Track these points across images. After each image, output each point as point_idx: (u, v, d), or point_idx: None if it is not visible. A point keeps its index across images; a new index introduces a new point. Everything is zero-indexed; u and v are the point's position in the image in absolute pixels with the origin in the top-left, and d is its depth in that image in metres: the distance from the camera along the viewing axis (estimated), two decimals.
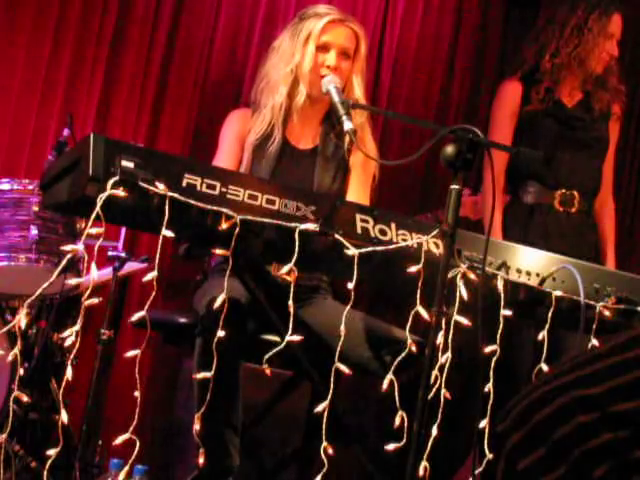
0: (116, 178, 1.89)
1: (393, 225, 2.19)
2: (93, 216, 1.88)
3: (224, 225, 2.00)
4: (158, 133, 3.98)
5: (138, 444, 1.99)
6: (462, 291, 2.12)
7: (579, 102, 3.29)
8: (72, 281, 2.21)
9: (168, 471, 3.40)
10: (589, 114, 3.28)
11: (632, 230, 4.48)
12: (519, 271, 2.30)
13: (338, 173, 2.81)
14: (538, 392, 1.07)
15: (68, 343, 1.94)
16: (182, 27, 4.02)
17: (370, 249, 2.11)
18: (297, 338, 2.12)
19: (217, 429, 2.39)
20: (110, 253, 3.18)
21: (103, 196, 1.88)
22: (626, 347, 1.05)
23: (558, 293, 2.29)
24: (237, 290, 2.35)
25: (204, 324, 2.38)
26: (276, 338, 2.38)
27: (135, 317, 2.00)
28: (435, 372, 2.03)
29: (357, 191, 2.81)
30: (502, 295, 2.20)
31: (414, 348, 2.14)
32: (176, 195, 1.95)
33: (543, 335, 2.28)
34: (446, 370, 2.10)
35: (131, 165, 1.92)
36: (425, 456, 2.06)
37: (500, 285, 2.22)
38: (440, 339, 2.01)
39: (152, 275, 1.94)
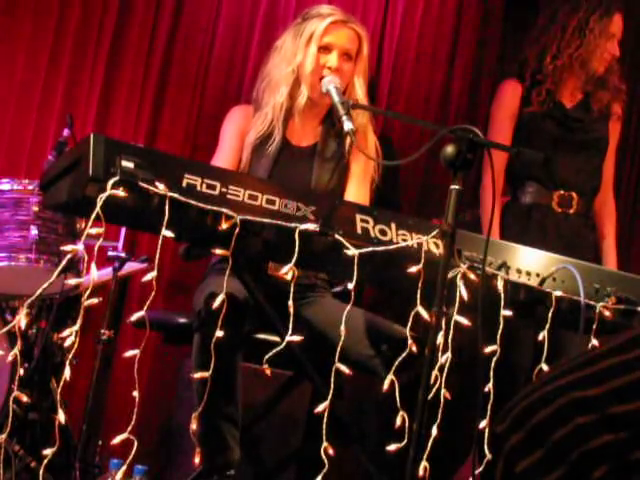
0: (116, 178, 1.89)
1: (393, 225, 2.19)
2: (93, 216, 1.88)
3: (224, 225, 2.00)
4: (158, 133, 3.99)
5: (136, 444, 1.99)
6: (462, 291, 2.12)
7: (578, 103, 3.29)
8: (72, 281, 2.21)
9: (168, 471, 3.40)
10: (588, 115, 3.28)
11: (632, 230, 4.48)
12: (519, 271, 2.30)
13: (336, 172, 2.80)
14: (537, 393, 1.07)
15: (68, 343, 1.94)
16: (182, 27, 4.02)
17: (370, 249, 2.11)
18: (297, 338, 2.12)
19: (216, 423, 2.40)
20: (110, 253, 3.18)
21: (103, 196, 1.88)
22: (626, 348, 1.05)
23: (558, 293, 2.29)
24: (235, 287, 2.35)
25: (202, 319, 2.38)
26: (276, 338, 2.38)
27: (135, 317, 2.00)
28: (435, 372, 2.03)
29: (356, 191, 2.81)
30: (502, 295, 2.20)
31: (414, 348, 2.14)
32: (176, 195, 1.95)
33: (543, 335, 2.28)
34: (446, 370, 2.10)
35: (131, 165, 1.92)
36: (425, 456, 2.06)
37: (500, 285, 2.22)
38: (440, 339, 2.01)
39: (152, 275, 1.95)
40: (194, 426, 2.16)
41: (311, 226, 2.07)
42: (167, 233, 1.95)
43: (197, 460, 2.24)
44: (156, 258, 1.94)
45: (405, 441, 2.06)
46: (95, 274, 1.97)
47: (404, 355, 2.13)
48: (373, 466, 2.51)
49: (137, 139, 3.80)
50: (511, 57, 4.65)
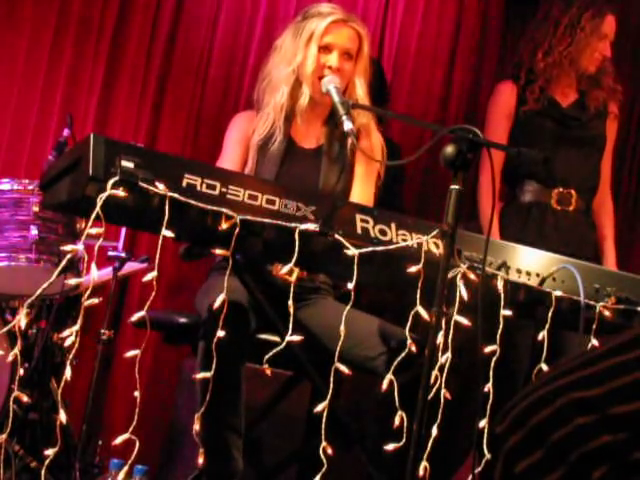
0: (116, 178, 1.89)
1: (393, 225, 2.19)
2: (93, 216, 1.88)
3: (224, 225, 2.00)
4: (158, 133, 3.99)
5: (138, 444, 2.00)
6: (462, 291, 2.12)
7: (574, 102, 3.30)
8: (72, 281, 2.21)
9: (168, 471, 3.40)
10: (585, 113, 3.29)
11: (632, 230, 4.48)
12: (519, 271, 2.30)
13: (343, 172, 2.80)
14: (537, 393, 1.07)
15: (68, 343, 1.94)
16: (182, 27, 4.02)
17: (370, 249, 2.11)
18: (297, 338, 2.12)
19: (220, 432, 2.39)
20: (110, 253, 3.19)
21: (103, 196, 1.88)
22: (626, 348, 1.05)
23: (558, 293, 2.29)
24: (239, 292, 2.35)
25: (207, 328, 2.38)
26: (276, 338, 2.38)
27: (135, 317, 2.00)
28: (435, 372, 2.03)
29: (361, 191, 2.80)
30: (502, 295, 2.20)
31: (414, 348, 2.14)
32: (176, 195, 1.95)
33: (543, 335, 2.28)
34: (446, 370, 2.10)
35: (131, 165, 1.92)
36: (425, 456, 2.06)
37: (500, 285, 2.22)
38: (440, 339, 2.01)
39: (152, 275, 1.95)
40: (197, 427, 2.16)
41: (311, 226, 2.07)
42: (167, 233, 1.95)
43: (200, 460, 2.23)
44: (156, 258, 1.94)
45: (405, 441, 2.06)
46: (95, 274, 1.97)
47: (403, 355, 2.13)
48: (373, 466, 2.51)
49: (137, 139, 3.80)
50: (511, 57, 4.66)
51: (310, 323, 2.63)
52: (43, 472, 2.06)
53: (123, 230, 3.34)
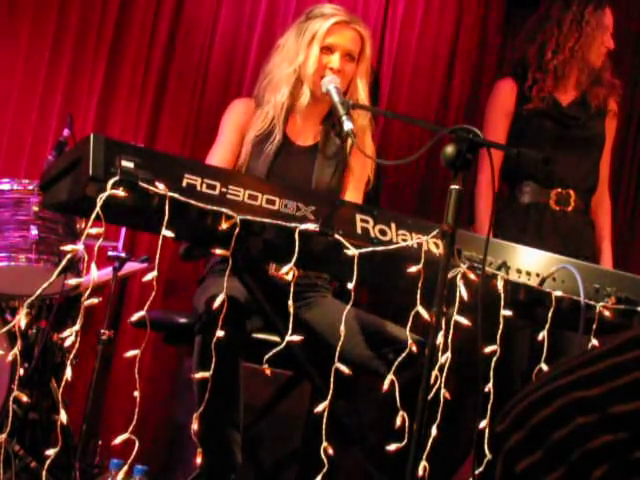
0: (116, 178, 1.89)
1: (393, 225, 2.19)
2: (93, 216, 1.88)
3: (224, 225, 2.00)
4: (158, 133, 3.99)
5: (138, 444, 2.00)
6: (462, 291, 2.12)
7: (574, 100, 3.29)
8: (72, 281, 2.21)
9: (168, 471, 3.40)
10: (584, 112, 3.28)
11: (632, 230, 4.48)
12: (519, 271, 2.30)
13: (337, 171, 2.80)
14: (537, 393, 1.07)
15: (68, 343, 1.94)
16: (182, 27, 4.02)
17: (370, 249, 2.11)
18: (297, 338, 2.12)
19: (218, 427, 2.40)
20: (110, 253, 3.19)
21: (103, 196, 1.88)
22: (626, 348, 1.05)
23: (558, 293, 2.29)
24: (236, 289, 2.35)
25: (203, 322, 2.38)
26: (276, 338, 2.38)
27: (135, 317, 2.00)
28: (435, 372, 2.03)
29: (352, 192, 2.82)
30: (502, 295, 2.20)
31: (414, 348, 2.14)
32: (176, 195, 1.95)
33: (543, 335, 2.28)
34: (446, 370, 2.10)
35: (131, 165, 1.92)
36: (425, 456, 2.06)
37: (500, 285, 2.22)
38: (440, 339, 2.01)
39: (152, 275, 1.94)
40: (195, 426, 2.16)
41: (311, 226, 2.07)
42: (167, 233, 1.95)
43: (199, 460, 2.24)
44: (156, 258, 1.94)
45: (405, 441, 2.06)
46: (95, 274, 1.97)
47: (404, 355, 2.13)
48: (373, 466, 2.51)
49: (137, 139, 3.80)
50: (510, 58, 4.65)
51: (312, 322, 2.63)
52: (44, 473, 2.06)
53: (123, 230, 3.33)
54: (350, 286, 2.07)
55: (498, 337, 2.17)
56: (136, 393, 2.00)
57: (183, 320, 2.77)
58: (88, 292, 1.94)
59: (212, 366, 2.09)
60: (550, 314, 2.26)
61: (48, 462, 1.99)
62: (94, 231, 1.92)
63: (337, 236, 2.09)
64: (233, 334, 2.21)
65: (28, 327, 3.11)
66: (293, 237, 2.04)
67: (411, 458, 1.92)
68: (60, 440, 1.99)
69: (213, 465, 2.40)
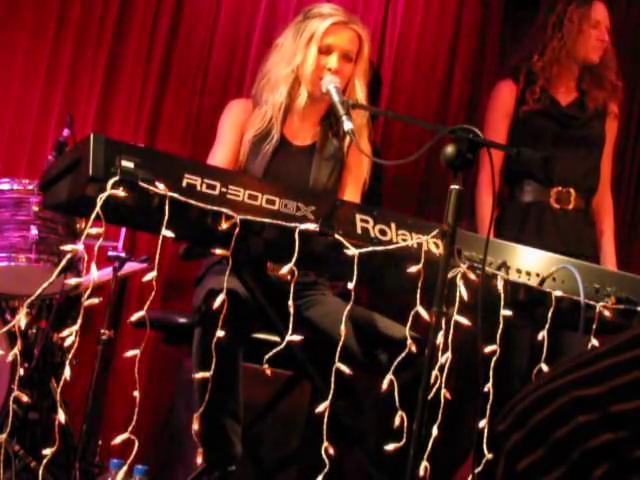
0: (116, 178, 1.89)
1: (393, 225, 2.19)
2: (93, 216, 1.88)
3: (224, 225, 2.00)
4: (158, 133, 3.98)
5: (138, 444, 2.00)
6: (462, 291, 2.12)
7: (574, 101, 3.30)
8: (72, 281, 2.21)
9: (168, 471, 3.40)
10: (584, 112, 3.29)
11: (632, 229, 4.48)
12: (519, 271, 2.30)
13: (334, 171, 2.80)
14: (538, 392, 1.07)
15: (68, 343, 1.94)
16: (182, 27, 4.02)
17: (370, 249, 2.11)
18: (297, 338, 2.12)
19: (218, 420, 2.40)
20: (110, 253, 3.18)
21: (103, 196, 1.88)
22: (626, 347, 1.05)
23: (558, 293, 2.29)
24: (234, 282, 2.35)
25: (202, 313, 2.38)
26: (276, 338, 2.38)
27: (135, 317, 2.00)
28: (435, 372, 2.03)
29: (350, 192, 2.82)
30: (502, 295, 2.20)
31: (414, 348, 2.14)
32: (176, 195, 1.95)
33: (543, 335, 2.29)
34: (446, 370, 2.10)
35: (131, 165, 1.92)
36: (425, 456, 2.07)
37: (500, 285, 2.22)
38: (440, 339, 2.01)
39: (152, 275, 1.94)
40: (196, 426, 2.16)
41: (311, 226, 2.07)
42: (167, 233, 1.95)
43: (199, 460, 2.24)
44: (156, 258, 1.94)
45: (405, 441, 2.06)
46: (95, 274, 1.97)
47: (404, 355, 2.13)
48: (373, 466, 2.51)
49: (137, 139, 3.80)
50: (511, 57, 4.65)
51: (313, 321, 2.63)
52: (41, 471, 2.06)
53: (123, 230, 3.33)
54: (350, 286, 2.07)
55: (498, 337, 2.17)
56: (136, 393, 2.00)
57: (183, 320, 2.77)
58: (88, 292, 1.94)
59: (212, 365, 2.09)
60: (550, 314, 2.26)
61: (45, 461, 1.99)
62: (94, 231, 1.92)
63: (337, 236, 2.09)
64: (232, 330, 2.21)
65: (28, 327, 3.11)
66: (293, 237, 2.04)
67: (411, 458, 1.92)
68: (59, 440, 1.99)
69: (213, 456, 2.39)
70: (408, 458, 1.93)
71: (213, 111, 3.95)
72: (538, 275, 2.31)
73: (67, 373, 1.97)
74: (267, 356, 2.10)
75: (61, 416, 2.02)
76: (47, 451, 1.99)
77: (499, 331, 2.18)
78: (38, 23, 3.74)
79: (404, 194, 4.33)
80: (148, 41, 3.94)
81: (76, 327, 1.93)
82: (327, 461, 2.08)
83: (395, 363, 2.12)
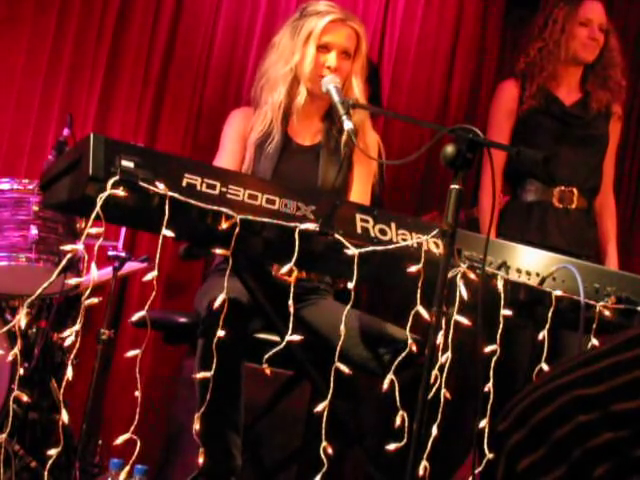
0: (116, 178, 1.89)
1: (393, 225, 2.19)
2: (93, 216, 1.88)
3: (224, 225, 2.00)
4: (158, 133, 3.99)
5: (138, 444, 1.99)
6: (462, 291, 2.12)
7: (577, 101, 3.30)
8: (72, 281, 2.21)
9: (168, 471, 3.40)
10: (588, 113, 3.29)
11: (633, 229, 4.48)
12: (519, 271, 2.30)
13: (342, 168, 2.80)
14: (538, 392, 1.07)
15: (68, 343, 1.94)
16: (182, 27, 4.02)
17: (370, 249, 2.11)
18: (297, 338, 2.12)
19: (219, 430, 2.39)
20: (110, 253, 3.18)
21: (103, 196, 1.88)
22: (626, 346, 1.05)
23: (558, 293, 2.29)
24: (238, 290, 2.35)
25: (206, 325, 2.38)
26: (276, 338, 2.38)
27: (135, 317, 2.00)
28: (435, 372, 2.03)
29: (360, 188, 2.81)
30: (502, 295, 2.20)
31: (414, 348, 2.14)
32: (176, 195, 1.95)
33: (543, 335, 2.28)
34: (446, 370, 2.10)
35: (131, 165, 1.92)
36: (425, 456, 2.06)
37: (500, 285, 2.22)
38: (440, 339, 2.01)
39: (152, 275, 1.94)
40: (197, 426, 2.16)
41: (311, 226, 2.07)
42: (167, 233, 1.95)
43: (200, 460, 2.24)
44: (156, 258, 1.94)
45: (405, 441, 2.06)
46: (95, 274, 1.97)
47: (403, 355, 2.13)
48: (373, 466, 2.51)
49: (137, 139, 3.80)
50: (511, 57, 4.65)
51: (312, 322, 2.63)
52: (45, 474, 2.06)
53: (123, 230, 3.34)
54: (350, 286, 2.07)
55: (498, 337, 2.17)
56: (136, 393, 2.00)
57: (183, 320, 2.77)
58: (88, 292, 1.94)
59: (214, 366, 2.09)
60: (550, 314, 2.26)
61: (50, 463, 1.99)
62: (94, 231, 1.92)
63: (337, 236, 2.09)
64: (235, 336, 2.21)
65: (28, 327, 3.11)
66: (293, 237, 2.04)
67: (411, 458, 1.92)
68: (62, 440, 1.99)
69: (213, 468, 2.39)
70: (408, 458, 1.93)
71: (213, 111, 3.95)
72: (538, 275, 2.31)
73: (69, 373, 1.97)
74: (267, 356, 2.10)
75: (64, 416, 2.02)
76: (51, 452, 1.99)
77: (499, 331, 2.18)
78: (38, 23, 3.75)
79: (404, 194, 4.34)
80: (148, 41, 3.94)
81: (76, 327, 1.93)
82: (325, 461, 2.08)
83: (395, 363, 2.12)
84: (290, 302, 2.07)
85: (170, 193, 1.94)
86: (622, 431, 0.99)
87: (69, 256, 2.03)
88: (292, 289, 2.07)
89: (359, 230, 2.14)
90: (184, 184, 1.98)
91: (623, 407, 1.00)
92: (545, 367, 2.30)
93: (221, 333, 2.09)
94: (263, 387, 2.91)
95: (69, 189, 2.04)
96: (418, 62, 4.44)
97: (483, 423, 2.16)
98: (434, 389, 2.05)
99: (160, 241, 1.94)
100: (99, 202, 1.87)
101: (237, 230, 2.00)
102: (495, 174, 3.14)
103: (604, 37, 3.25)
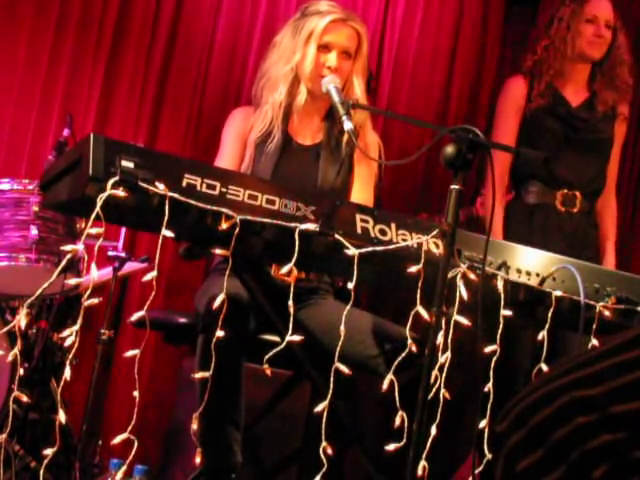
0: (116, 178, 1.89)
1: (393, 225, 2.19)
2: (93, 216, 1.88)
3: (224, 225, 2.00)
4: (158, 133, 3.99)
5: (136, 444, 1.99)
6: (462, 291, 2.12)
7: (584, 102, 3.27)
8: (72, 281, 2.21)
9: (168, 471, 3.40)
10: (593, 115, 3.26)
11: (633, 229, 4.48)
12: (519, 271, 2.30)
13: (342, 169, 2.80)
14: (538, 392, 1.07)
15: (68, 343, 1.94)
16: (182, 27, 4.02)
17: (370, 249, 2.11)
18: (297, 338, 2.12)
19: (219, 426, 2.40)
20: (110, 253, 3.19)
21: (103, 196, 1.88)
22: (626, 347, 1.05)
23: (558, 293, 2.29)
24: (238, 287, 2.35)
25: (206, 321, 2.38)
26: (276, 338, 2.38)
27: (135, 317, 2.00)
28: (435, 372, 2.03)
29: (362, 188, 2.81)
30: (502, 295, 2.20)
31: (414, 348, 2.14)
32: (176, 195, 1.95)
33: (543, 335, 2.28)
34: (446, 370, 2.10)
35: (131, 165, 1.92)
36: (425, 456, 2.06)
37: (500, 285, 2.22)
38: (440, 339, 2.01)
39: (152, 275, 1.94)
40: (195, 426, 2.16)
41: (311, 226, 2.07)
42: (167, 233, 1.95)
43: (198, 460, 2.24)
44: (156, 258, 1.94)
45: (405, 441, 2.06)
46: (95, 274, 1.97)
47: (404, 355, 2.13)
48: (373, 466, 2.51)
49: (137, 139, 3.80)
50: (511, 57, 4.65)
51: (311, 323, 2.63)
52: (42, 472, 2.06)
53: (123, 230, 3.34)
54: (350, 286, 2.07)
55: (498, 337, 2.17)
56: (136, 393, 2.00)
57: (183, 320, 2.77)
58: (88, 292, 1.94)
59: (214, 364, 2.09)
60: (550, 314, 2.26)
61: (46, 461, 1.99)
62: (94, 231, 1.92)
63: (337, 236, 2.09)
64: (235, 333, 2.21)
65: (28, 327, 3.11)
66: (293, 237, 2.04)
67: (411, 458, 1.92)
68: (59, 440, 1.99)
69: (214, 464, 2.40)
70: (408, 458, 1.93)
71: (214, 111, 3.96)
72: (538, 275, 2.31)
73: (67, 373, 1.97)
74: (267, 356, 2.10)
75: (62, 416, 2.02)
76: (48, 451, 1.99)
77: (499, 331, 2.18)
78: (38, 24, 3.75)
79: (404, 194, 4.34)
80: (148, 41, 3.94)
81: (76, 327, 1.93)
82: (325, 461, 2.08)
83: (395, 363, 2.12)
84: (290, 302, 2.07)
85: (170, 193, 1.93)
86: (621, 433, 0.99)
87: (69, 256, 2.02)
88: (292, 289, 2.06)
89: (359, 230, 2.14)
90: (184, 184, 1.98)
91: (622, 409, 1.00)
92: (545, 367, 2.30)
93: (221, 333, 2.09)
94: (263, 387, 2.91)
95: (69, 189, 2.04)
96: (418, 62, 4.44)
97: (483, 423, 2.16)
98: (434, 389, 2.05)
99: (160, 241, 1.94)
100: (99, 202, 1.87)
101: (237, 230, 2.00)
102: (501, 173, 3.14)
103: (611, 34, 3.23)
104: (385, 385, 2.11)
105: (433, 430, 2.10)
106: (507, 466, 1.06)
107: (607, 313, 2.31)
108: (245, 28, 4.12)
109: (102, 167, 1.90)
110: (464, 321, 2.11)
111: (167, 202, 1.93)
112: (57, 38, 3.77)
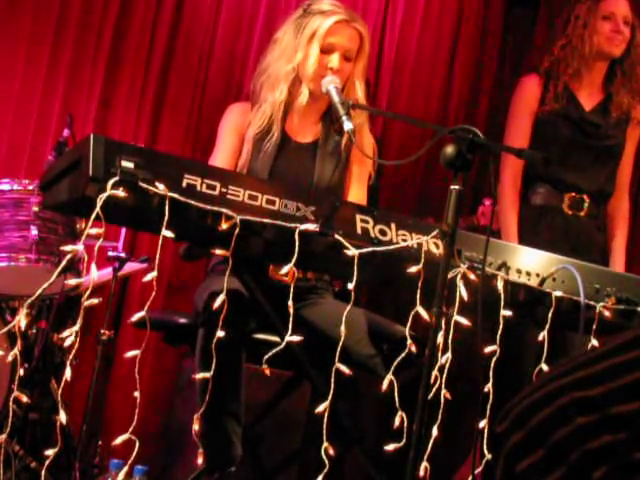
0: (116, 178, 1.89)
1: (393, 225, 2.19)
2: (93, 216, 1.88)
3: (224, 225, 2.00)
4: (158, 133, 3.99)
5: (137, 444, 1.99)
6: (462, 291, 2.12)
7: (598, 105, 3.23)
8: (72, 281, 2.21)
9: (168, 471, 3.40)
10: (606, 120, 3.22)
11: (634, 228, 4.47)
12: (519, 271, 2.30)
13: (338, 167, 2.80)
14: (538, 393, 1.07)
15: (68, 343, 1.94)
16: (182, 27, 4.02)
17: (370, 249, 2.11)
18: (297, 338, 2.12)
19: (219, 420, 2.39)
20: (110, 253, 3.19)
21: (103, 196, 1.88)
22: (626, 348, 1.05)
23: (558, 293, 2.29)
24: (238, 284, 2.35)
25: (206, 315, 2.38)
26: (276, 338, 2.38)
27: (135, 317, 2.00)
28: (435, 372, 2.03)
29: (356, 192, 2.81)
30: (502, 295, 2.20)
31: (414, 348, 2.14)
32: (176, 195, 1.95)
33: (543, 335, 2.28)
34: (446, 370, 2.10)
35: (131, 165, 1.92)
36: (425, 456, 2.06)
37: (500, 285, 2.22)
38: (440, 339, 2.01)
39: (152, 275, 1.94)
40: (196, 427, 2.16)
41: (311, 226, 2.07)
42: (167, 233, 1.95)
43: (200, 461, 2.24)
44: (156, 258, 1.94)
45: (405, 441, 2.06)
46: (95, 274, 1.96)
47: (403, 355, 2.13)
48: (373, 466, 2.51)
49: (137, 139, 3.81)
50: (510, 57, 4.65)
51: (312, 321, 2.63)
52: (43, 473, 2.06)
53: (123, 230, 3.34)
54: (350, 286, 2.07)
55: (498, 337, 2.17)
56: (136, 393, 2.00)
57: (183, 320, 2.77)
58: (88, 292, 1.93)
59: (213, 365, 2.09)
60: (550, 314, 2.26)
61: (48, 462, 1.99)
62: (94, 231, 1.92)
63: (337, 236, 2.09)
64: (235, 331, 2.21)
65: (28, 327, 3.11)
66: (293, 237, 2.04)
67: (411, 458, 1.92)
68: (60, 440, 1.99)
69: (213, 457, 2.39)
70: (408, 458, 1.93)
71: (214, 111, 3.95)
72: (538, 275, 2.31)
73: (68, 374, 1.97)
74: (267, 356, 2.10)
75: (62, 417, 2.02)
76: (49, 452, 1.99)
77: (499, 331, 2.18)
78: (38, 23, 3.75)
79: (404, 194, 4.34)
80: (148, 41, 3.95)
81: (76, 327, 1.93)
82: (327, 461, 2.08)
83: (395, 363, 2.12)
84: (290, 302, 2.07)
85: (170, 194, 1.93)
86: (621, 433, 0.99)
87: (69, 257, 2.02)
88: (292, 289, 2.07)
89: (359, 231, 2.14)
90: (184, 184, 1.98)
91: (622, 409, 1.00)
92: (545, 368, 2.30)
93: (221, 333, 2.09)
94: (263, 387, 2.92)
95: (69, 190, 2.04)
96: (418, 62, 4.44)
97: (483, 423, 2.16)
98: (434, 389, 2.05)
99: (160, 241, 1.95)
100: (99, 203, 1.87)
101: (237, 231, 2.00)
102: (514, 176, 3.12)
103: (630, 31, 3.18)
104: (385, 385, 2.11)
105: (434, 431, 2.10)
106: (507, 466, 1.06)
107: (607, 313, 2.31)
108: (245, 29, 4.13)
109: (102, 167, 1.90)
110: (464, 321, 2.11)
111: (167, 202, 1.93)
112: (57, 38, 3.77)
